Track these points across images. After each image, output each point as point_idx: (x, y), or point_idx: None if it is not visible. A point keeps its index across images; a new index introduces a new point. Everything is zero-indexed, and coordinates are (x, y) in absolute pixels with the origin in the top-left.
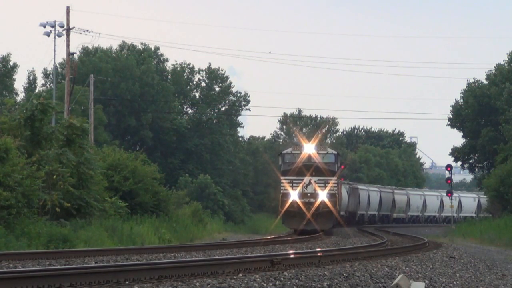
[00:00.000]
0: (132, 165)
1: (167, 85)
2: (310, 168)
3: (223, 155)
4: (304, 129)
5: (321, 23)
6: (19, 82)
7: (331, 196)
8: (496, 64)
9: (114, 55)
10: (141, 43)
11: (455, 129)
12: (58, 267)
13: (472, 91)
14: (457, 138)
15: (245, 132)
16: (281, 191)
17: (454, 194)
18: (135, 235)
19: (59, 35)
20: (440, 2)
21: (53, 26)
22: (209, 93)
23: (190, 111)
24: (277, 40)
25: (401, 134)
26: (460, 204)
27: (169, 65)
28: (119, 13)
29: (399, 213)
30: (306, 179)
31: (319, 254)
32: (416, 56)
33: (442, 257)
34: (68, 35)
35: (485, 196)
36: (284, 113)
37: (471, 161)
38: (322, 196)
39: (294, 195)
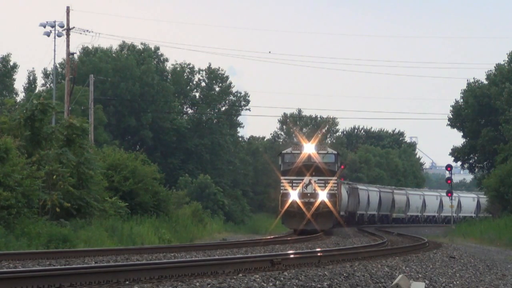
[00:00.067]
0: (132, 165)
1: (167, 85)
2: (310, 168)
3: (223, 155)
4: (304, 129)
5: (321, 23)
6: (19, 82)
7: (331, 196)
8: (496, 64)
9: (114, 55)
10: (141, 43)
11: (455, 129)
12: (58, 267)
13: (472, 91)
14: (457, 138)
15: (245, 132)
16: (281, 191)
17: (454, 194)
18: (135, 235)
19: (59, 35)
20: (440, 2)
21: (53, 26)
22: (209, 93)
23: (190, 111)
24: (277, 40)
25: (401, 134)
26: (459, 204)
27: (169, 65)
28: (119, 13)
29: (398, 213)
30: (306, 179)
31: (319, 254)
32: (416, 56)
33: (442, 257)
34: (68, 35)
35: (484, 196)
36: (284, 113)
37: (471, 161)
38: (322, 196)
39: (294, 195)
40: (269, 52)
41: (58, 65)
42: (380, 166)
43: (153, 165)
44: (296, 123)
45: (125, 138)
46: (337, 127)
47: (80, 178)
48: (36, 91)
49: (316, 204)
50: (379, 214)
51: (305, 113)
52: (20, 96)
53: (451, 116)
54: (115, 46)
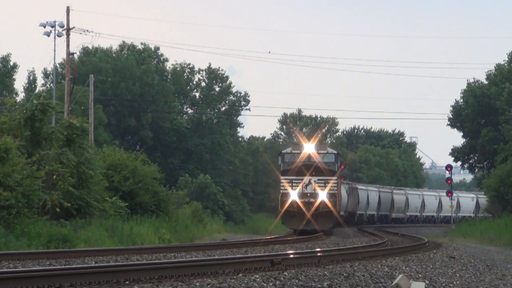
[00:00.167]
0: (132, 165)
1: (167, 85)
2: (310, 167)
3: (223, 155)
4: (304, 129)
5: (321, 23)
6: (19, 82)
7: (331, 196)
8: (496, 64)
9: (114, 55)
10: (141, 43)
11: (455, 129)
12: (58, 267)
13: (472, 91)
14: (457, 138)
15: (245, 132)
16: (281, 191)
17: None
18: (135, 235)
19: (59, 35)
20: (440, 2)
21: (53, 26)
22: (209, 93)
23: (190, 111)
24: (277, 40)
25: (401, 134)
26: (458, 204)
27: (169, 65)
28: (119, 13)
29: (398, 213)
30: (306, 178)
31: (319, 254)
32: (416, 56)
33: (442, 257)
34: (68, 35)
35: (483, 196)
36: (284, 113)
37: (471, 161)
38: (322, 196)
39: (293, 195)
40: (269, 52)
41: (58, 65)
42: (380, 166)
43: (153, 165)
44: (296, 123)
45: (125, 138)
46: (337, 127)
47: (80, 178)
48: (36, 91)
49: (316, 204)
50: (378, 214)
51: (305, 113)
52: (20, 96)
53: (451, 116)
54: (115, 46)
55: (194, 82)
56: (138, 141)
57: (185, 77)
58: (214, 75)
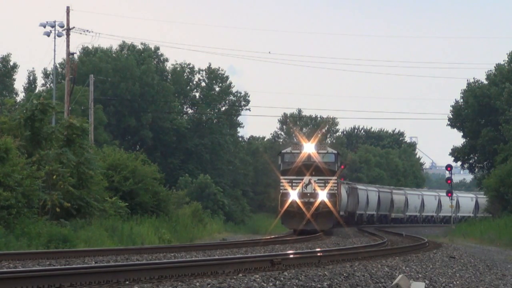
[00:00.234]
0: (132, 165)
1: (167, 85)
2: (309, 167)
3: (223, 155)
4: (304, 129)
5: (321, 23)
6: (19, 82)
7: (331, 196)
8: (496, 64)
9: (114, 55)
10: (141, 43)
11: (455, 129)
12: (58, 267)
13: (472, 91)
14: (457, 138)
15: (245, 132)
16: (281, 191)
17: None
18: (135, 235)
19: (59, 35)
20: (440, 2)
21: (53, 26)
22: (209, 93)
23: (190, 111)
24: (277, 40)
25: (401, 134)
26: (457, 204)
27: (169, 65)
28: (119, 13)
29: (397, 213)
30: (306, 178)
31: (319, 254)
32: (416, 56)
33: (442, 257)
34: (68, 35)
35: (482, 196)
36: (284, 113)
37: (471, 161)
38: (322, 196)
39: (293, 195)
40: (269, 52)
41: (58, 65)
42: (380, 166)
43: (153, 165)
44: (296, 123)
45: (125, 138)
46: (337, 127)
47: (80, 178)
48: (36, 91)
49: (316, 204)
50: (378, 214)
51: (305, 113)
52: (20, 96)
53: (451, 116)
54: (115, 46)
55: (194, 82)
56: (138, 141)
57: (185, 77)
58: (214, 75)
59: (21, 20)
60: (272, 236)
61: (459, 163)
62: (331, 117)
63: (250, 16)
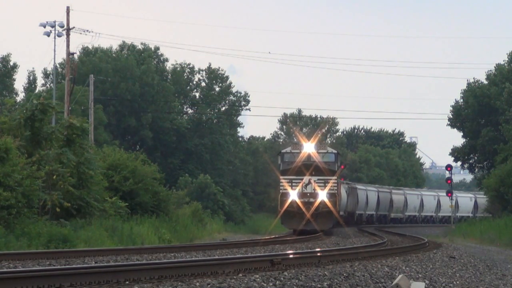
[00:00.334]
0: (132, 165)
1: (167, 85)
2: (309, 167)
3: (223, 155)
4: (304, 129)
5: (321, 23)
6: (19, 82)
7: (331, 196)
8: (496, 64)
9: (114, 55)
10: (141, 43)
11: (455, 129)
12: (58, 267)
13: (472, 91)
14: (457, 138)
15: (245, 132)
16: (280, 191)
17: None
18: (135, 235)
19: (59, 35)
20: (440, 2)
21: (53, 26)
22: (209, 93)
23: (190, 111)
24: (277, 40)
25: (401, 134)
26: (456, 204)
27: (169, 65)
28: (119, 13)
29: (396, 213)
30: (306, 178)
31: (319, 254)
32: (416, 56)
33: (442, 257)
34: (68, 35)
35: (481, 196)
36: (284, 113)
37: (471, 161)
38: (322, 195)
39: (293, 195)
40: (269, 52)
41: (58, 65)
42: (380, 166)
43: (153, 165)
44: (296, 123)
45: (125, 138)
46: (337, 127)
47: (80, 178)
48: (36, 91)
49: (316, 204)
50: (377, 214)
51: (305, 113)
52: (20, 96)
53: (451, 116)
54: (115, 46)
55: (194, 82)
56: (138, 141)
57: (185, 77)
58: (214, 75)
59: (21, 20)
60: (272, 236)
61: (459, 163)
62: (331, 117)
63: (250, 16)
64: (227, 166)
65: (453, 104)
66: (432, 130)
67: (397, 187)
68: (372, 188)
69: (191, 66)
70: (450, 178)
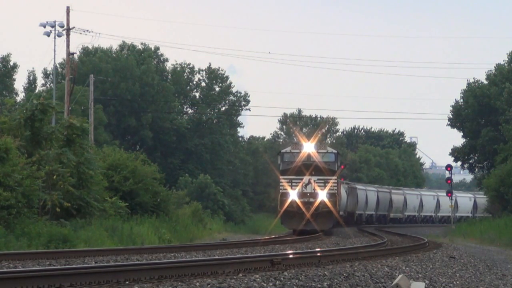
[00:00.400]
0: (132, 165)
1: (167, 85)
2: (309, 167)
3: (223, 155)
4: (304, 129)
5: (321, 23)
6: (19, 82)
7: (331, 195)
8: (496, 64)
9: (114, 55)
10: (141, 43)
11: (455, 129)
12: (58, 267)
13: (472, 91)
14: (457, 138)
15: (245, 132)
16: (280, 191)
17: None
18: (135, 235)
19: (59, 35)
20: (440, 2)
21: (53, 26)
22: (209, 93)
23: (190, 111)
24: (277, 40)
25: (401, 134)
26: (456, 204)
27: (169, 65)
28: (119, 13)
29: (396, 213)
30: (306, 178)
31: (319, 254)
32: (416, 56)
33: (442, 257)
34: (68, 35)
35: (481, 196)
36: (284, 113)
37: (471, 161)
38: (322, 195)
39: (293, 195)
40: (269, 52)
41: (58, 65)
42: (380, 166)
43: (153, 165)
44: (296, 123)
45: (125, 138)
46: (337, 127)
47: (80, 178)
48: (36, 91)
49: (316, 204)
50: (377, 214)
51: (305, 113)
52: (20, 96)
53: (451, 116)
54: (115, 46)
55: (194, 82)
56: (138, 141)
57: (185, 77)
58: (214, 75)
59: (21, 20)
60: (272, 236)
61: (459, 163)
62: (331, 117)
63: (250, 16)
64: (227, 166)
65: (453, 104)
66: (432, 130)
67: (396, 187)
68: (372, 188)
69: (191, 66)
70: (450, 178)
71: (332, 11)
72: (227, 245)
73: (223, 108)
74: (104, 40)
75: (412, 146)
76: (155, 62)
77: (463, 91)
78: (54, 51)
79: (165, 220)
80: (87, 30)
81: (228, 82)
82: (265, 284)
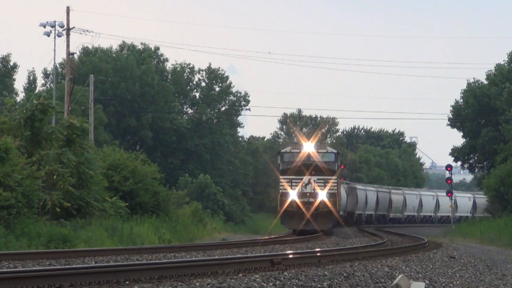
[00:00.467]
0: (132, 165)
1: (167, 85)
2: (309, 167)
3: (223, 155)
4: (304, 129)
5: (321, 23)
6: (19, 82)
7: (331, 195)
8: (496, 64)
9: (114, 55)
10: (141, 43)
11: (455, 129)
12: (58, 267)
13: (472, 91)
14: (457, 138)
15: (245, 132)
16: (280, 191)
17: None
18: (135, 235)
19: (59, 35)
20: (440, 2)
21: (53, 26)
22: (209, 93)
23: (190, 111)
24: (277, 40)
25: (401, 134)
26: (455, 204)
27: (169, 65)
28: (119, 13)
29: (395, 213)
30: (306, 178)
31: (319, 254)
32: (416, 56)
33: (442, 257)
34: (68, 35)
35: (480, 196)
36: (284, 113)
37: (471, 161)
38: (322, 195)
39: (293, 195)
40: (269, 52)
41: (58, 65)
42: (380, 166)
43: (153, 165)
44: (296, 123)
45: (125, 138)
46: (337, 127)
47: (80, 178)
48: (36, 91)
49: (316, 203)
50: (376, 214)
51: (305, 113)
52: (20, 96)
53: (451, 116)
54: (115, 46)
55: (194, 82)
56: (138, 141)
57: (185, 77)
58: (214, 75)
59: (21, 20)
60: (272, 236)
61: (459, 163)
62: (331, 117)
63: (250, 16)
64: (227, 166)
65: (453, 104)
66: (432, 130)
67: (396, 187)
68: (371, 188)
69: (191, 66)
70: (450, 178)
71: (332, 11)
72: (227, 245)
73: (223, 108)
74: (104, 40)
75: (412, 146)
76: (155, 62)
77: (463, 91)
78: (54, 51)
79: (165, 220)
80: (87, 30)
81: (228, 82)
82: (265, 284)
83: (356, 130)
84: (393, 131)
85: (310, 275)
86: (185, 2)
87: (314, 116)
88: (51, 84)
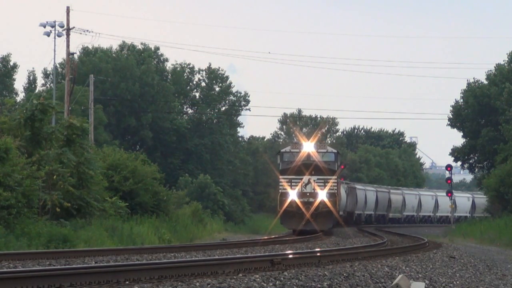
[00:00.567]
0: (132, 165)
1: (167, 85)
2: (309, 167)
3: (223, 155)
4: (304, 129)
5: (321, 23)
6: (19, 82)
7: (331, 195)
8: (496, 64)
9: (114, 55)
10: (141, 43)
11: (455, 129)
12: (58, 267)
13: (472, 91)
14: (457, 138)
15: (245, 132)
16: (280, 191)
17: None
18: (135, 235)
19: (59, 35)
20: (440, 2)
21: (53, 26)
22: (209, 93)
23: (190, 111)
24: (277, 40)
25: (401, 134)
26: (454, 204)
27: (169, 65)
28: (119, 13)
29: (395, 213)
30: (305, 178)
31: (318, 254)
32: (416, 56)
33: (442, 257)
34: (68, 35)
35: (479, 196)
36: (284, 113)
37: (471, 161)
38: (322, 195)
39: (293, 195)
40: (269, 52)
41: (58, 65)
42: (380, 166)
43: (153, 165)
44: (296, 123)
45: (125, 138)
46: (337, 127)
47: (80, 178)
48: (36, 91)
49: (316, 203)
50: (376, 214)
51: (305, 113)
52: (20, 96)
53: (451, 116)
54: (115, 46)
55: (194, 82)
56: (138, 141)
57: (185, 77)
58: (214, 75)
59: (21, 20)
60: (272, 236)
61: (459, 163)
62: (331, 117)
63: (250, 16)
64: (227, 166)
65: (453, 104)
66: (432, 130)
67: (395, 187)
68: (371, 188)
69: (191, 66)
70: (450, 178)
71: (332, 11)
72: (227, 245)
73: (223, 108)
74: (104, 40)
75: (412, 146)
76: (155, 62)
77: (463, 91)
78: (54, 51)
79: (165, 220)
80: (87, 30)
81: (228, 82)
82: (265, 284)
83: (356, 130)
84: (393, 131)
85: (310, 275)
86: (185, 2)
87: (314, 116)
88: (51, 84)
